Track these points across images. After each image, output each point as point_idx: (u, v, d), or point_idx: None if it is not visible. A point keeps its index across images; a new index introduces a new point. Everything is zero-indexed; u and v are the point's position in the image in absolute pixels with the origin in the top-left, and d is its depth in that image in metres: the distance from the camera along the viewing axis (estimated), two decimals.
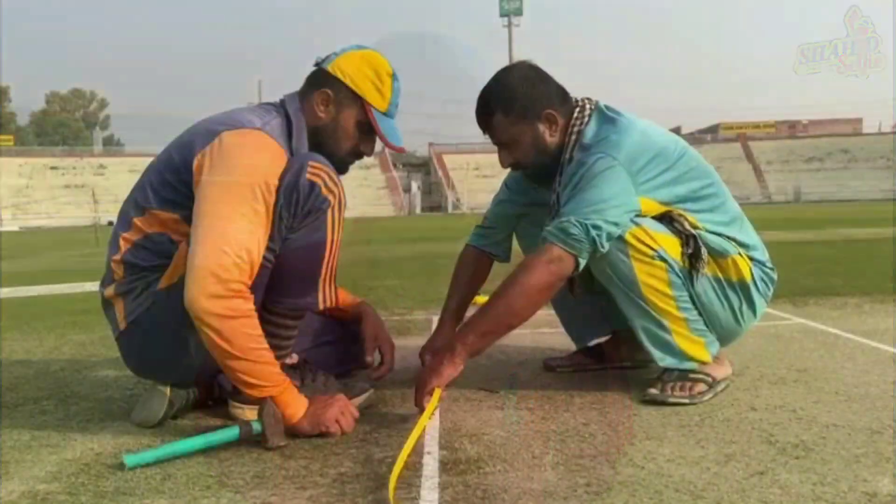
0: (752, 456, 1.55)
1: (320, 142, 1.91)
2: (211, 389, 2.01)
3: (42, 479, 1.53)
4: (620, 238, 1.91)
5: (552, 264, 1.87)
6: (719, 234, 2.03)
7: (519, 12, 76.62)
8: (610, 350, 2.40)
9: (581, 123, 2.04)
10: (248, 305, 1.69)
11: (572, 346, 2.47)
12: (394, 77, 1.94)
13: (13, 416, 2.03)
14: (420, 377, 1.91)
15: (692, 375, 1.99)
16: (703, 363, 2.02)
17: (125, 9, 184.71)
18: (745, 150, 58.71)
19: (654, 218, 1.98)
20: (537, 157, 2.07)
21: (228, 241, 1.66)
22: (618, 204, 1.90)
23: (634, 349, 2.37)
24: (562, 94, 2.08)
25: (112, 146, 72.21)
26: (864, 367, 2.32)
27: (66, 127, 78.94)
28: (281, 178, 1.78)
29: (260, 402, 1.73)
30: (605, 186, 1.90)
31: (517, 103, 2.02)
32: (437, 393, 1.87)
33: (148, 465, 1.59)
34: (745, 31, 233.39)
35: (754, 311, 2.08)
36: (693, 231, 1.98)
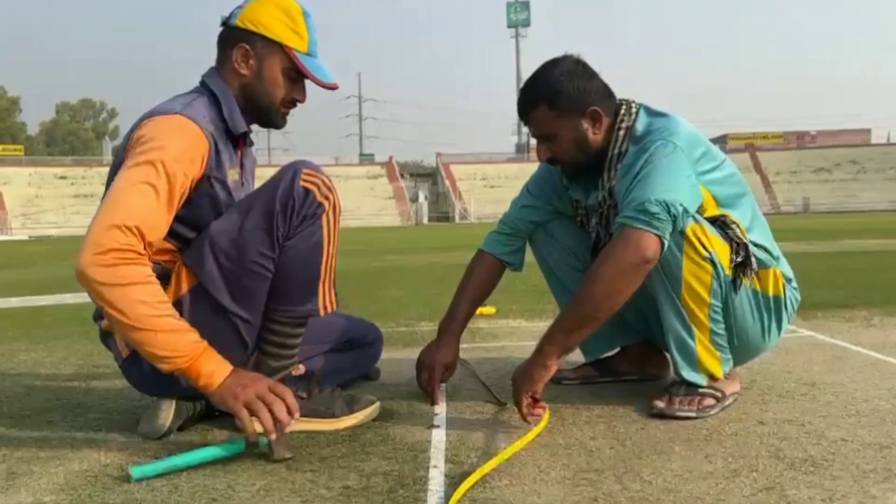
0: (761, 471, 1.54)
1: (251, 100, 1.89)
2: None
3: (49, 491, 1.54)
4: (680, 231, 1.86)
5: (632, 248, 1.78)
6: (757, 245, 2.02)
7: (526, 23, 76.92)
8: (617, 363, 2.39)
9: (629, 120, 2.02)
10: (140, 271, 1.60)
11: (579, 359, 2.47)
12: (306, 14, 1.87)
13: (21, 427, 2.03)
14: (514, 385, 1.89)
15: (701, 390, 1.98)
16: (715, 378, 2.01)
17: (137, 19, 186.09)
18: (753, 161, 58.56)
19: (708, 220, 1.95)
20: (577, 155, 2.03)
21: (117, 212, 1.61)
22: (688, 186, 1.87)
23: (642, 363, 2.37)
24: (607, 92, 2.05)
25: None
26: (874, 380, 2.30)
27: (75, 137, 79.46)
28: (274, 187, 1.78)
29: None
30: (672, 170, 1.86)
31: (562, 97, 1.98)
32: (547, 415, 1.90)
33: (154, 477, 1.59)
34: (753, 39, 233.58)
35: (779, 330, 2.07)
36: (745, 240, 1.97)
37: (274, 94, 1.88)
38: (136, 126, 1.78)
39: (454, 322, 2.26)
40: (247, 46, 1.85)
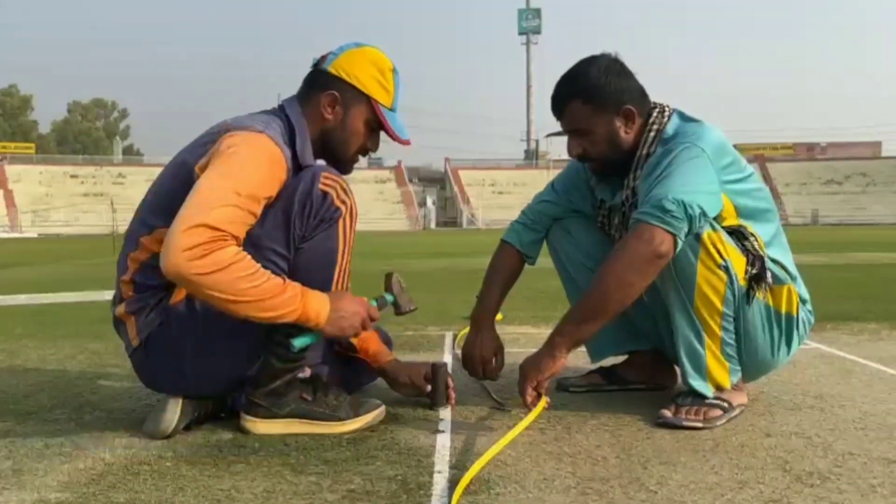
0: (767, 483, 1.53)
1: (330, 143, 1.94)
2: (223, 402, 2.01)
3: (54, 489, 1.54)
4: (696, 236, 1.86)
5: (645, 243, 1.79)
6: (774, 261, 2.01)
7: (537, 31, 77.02)
8: (625, 372, 2.38)
9: (661, 122, 2.03)
10: (231, 251, 1.64)
11: (587, 366, 2.46)
12: (395, 72, 1.96)
13: (27, 424, 2.04)
14: (521, 373, 1.92)
15: (708, 400, 1.97)
16: (722, 389, 2.00)
17: (148, 20, 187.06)
18: (762, 172, 58.41)
19: (726, 230, 1.95)
20: (607, 151, 2.04)
21: (206, 215, 1.63)
22: (709, 191, 1.87)
23: (650, 372, 2.36)
24: (642, 93, 2.06)
25: (132, 156, 72.96)
26: (882, 394, 2.29)
27: (87, 136, 79.85)
28: (293, 188, 1.80)
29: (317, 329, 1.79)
30: (695, 174, 1.87)
31: (598, 93, 2.00)
32: (543, 402, 1.92)
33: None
34: (762, 50, 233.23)
35: (789, 349, 2.06)
36: (761, 253, 1.96)
37: (352, 142, 1.95)
38: (220, 135, 1.79)
39: (487, 311, 2.28)
40: (336, 93, 1.91)
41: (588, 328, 1.90)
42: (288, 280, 1.74)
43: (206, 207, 1.64)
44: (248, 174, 1.72)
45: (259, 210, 1.75)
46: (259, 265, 1.69)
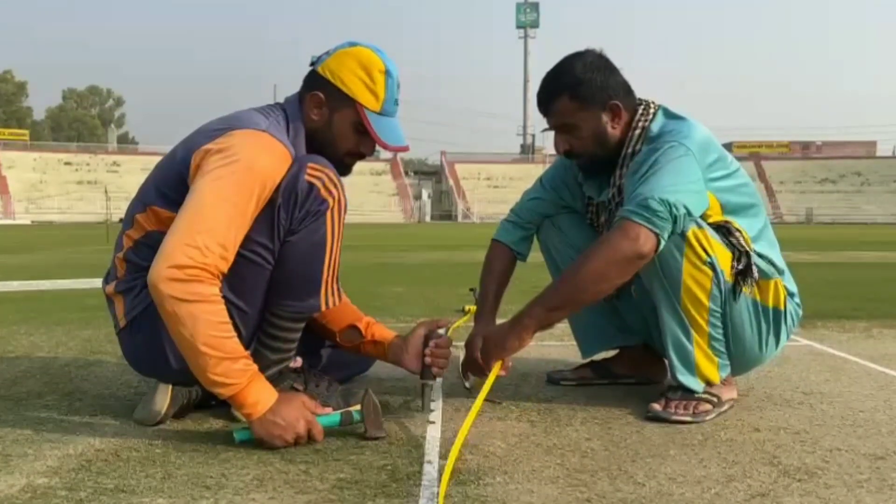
0: (755, 477, 1.54)
1: (318, 144, 1.91)
2: None
3: (42, 474, 1.54)
4: (681, 233, 1.87)
5: (629, 241, 1.79)
6: (761, 256, 2.02)
7: (535, 25, 76.93)
8: (615, 366, 2.39)
9: (646, 120, 2.03)
10: (211, 290, 1.65)
11: (577, 360, 2.47)
12: (387, 74, 1.88)
13: (17, 410, 2.04)
14: (483, 348, 1.92)
15: (697, 395, 1.98)
16: (712, 384, 2.00)
17: (144, 10, 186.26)
18: (757, 170, 58.51)
19: (712, 226, 1.96)
20: (594, 148, 2.04)
21: (201, 230, 1.65)
22: (695, 190, 1.88)
23: (640, 367, 2.37)
24: (628, 89, 2.06)
25: (126, 144, 72.73)
26: (871, 391, 2.30)
27: (81, 123, 79.52)
28: (281, 180, 1.79)
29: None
30: (681, 172, 1.87)
31: (584, 88, 1.99)
32: (497, 366, 1.91)
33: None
34: (760, 49, 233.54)
35: (777, 343, 2.07)
36: (747, 248, 1.97)
37: (339, 144, 1.92)
38: (221, 132, 1.79)
39: (486, 310, 2.27)
40: (321, 95, 1.88)
41: (558, 315, 1.91)
42: (248, 356, 1.70)
43: (205, 223, 1.65)
44: (251, 179, 1.71)
45: (259, 207, 1.75)
46: (229, 321, 1.68)
